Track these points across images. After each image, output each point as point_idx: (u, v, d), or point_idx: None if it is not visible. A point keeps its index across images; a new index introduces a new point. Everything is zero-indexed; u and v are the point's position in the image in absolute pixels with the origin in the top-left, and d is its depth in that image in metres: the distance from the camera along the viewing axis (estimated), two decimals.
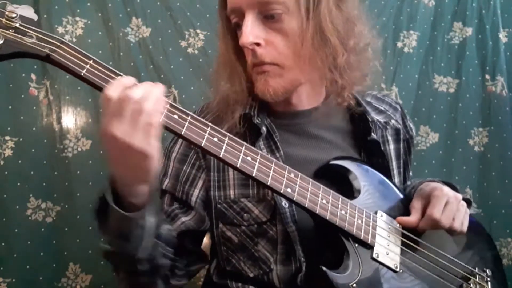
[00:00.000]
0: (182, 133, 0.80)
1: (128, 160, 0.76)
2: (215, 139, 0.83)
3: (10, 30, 0.74)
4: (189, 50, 1.90)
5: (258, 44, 0.97)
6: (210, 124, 0.83)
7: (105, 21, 1.82)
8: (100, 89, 0.77)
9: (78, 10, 1.80)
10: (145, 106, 0.74)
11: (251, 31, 0.95)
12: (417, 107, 2.07)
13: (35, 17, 0.78)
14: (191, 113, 0.82)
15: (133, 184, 0.80)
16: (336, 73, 1.00)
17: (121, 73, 0.79)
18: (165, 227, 0.97)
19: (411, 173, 1.26)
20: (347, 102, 1.06)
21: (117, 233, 0.83)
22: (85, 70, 0.77)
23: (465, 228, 1.01)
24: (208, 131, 0.82)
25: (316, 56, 0.97)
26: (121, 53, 1.82)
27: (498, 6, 2.12)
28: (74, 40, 1.78)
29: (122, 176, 0.79)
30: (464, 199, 1.05)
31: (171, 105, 0.81)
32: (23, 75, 1.74)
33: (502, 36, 2.11)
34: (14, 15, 0.74)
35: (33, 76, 1.75)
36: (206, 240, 1.18)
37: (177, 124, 0.80)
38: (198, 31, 1.90)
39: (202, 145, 0.81)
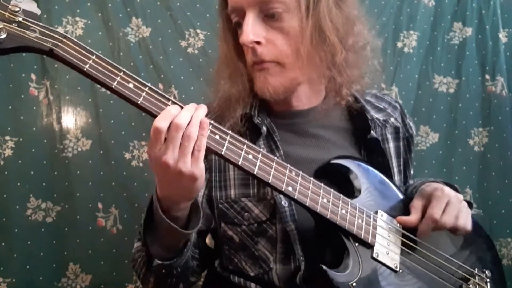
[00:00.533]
0: None
1: (178, 183, 0.81)
2: (217, 137, 0.83)
3: (13, 24, 0.74)
4: (189, 50, 1.90)
5: (258, 43, 0.97)
6: (212, 122, 0.83)
7: (105, 21, 1.82)
8: (102, 84, 0.78)
9: (78, 10, 1.80)
10: (192, 132, 0.78)
11: (252, 29, 0.96)
12: (417, 107, 2.06)
13: (38, 11, 0.78)
14: None
15: (180, 202, 0.86)
16: (335, 71, 1.01)
17: (124, 69, 0.80)
18: None
19: (412, 172, 1.26)
20: (345, 100, 1.07)
21: (169, 249, 0.92)
22: (87, 65, 0.77)
23: (469, 227, 1.01)
24: (209, 129, 0.82)
25: (315, 54, 0.98)
26: (121, 53, 1.82)
27: (498, 6, 2.11)
28: None
29: (171, 196, 0.85)
30: (464, 201, 1.06)
31: (173, 102, 0.81)
32: (23, 75, 1.74)
33: (502, 36, 2.11)
34: (17, 9, 0.74)
35: (33, 76, 1.75)
36: (207, 240, 1.19)
37: None
38: (198, 31, 1.90)
39: None
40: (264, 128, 1.04)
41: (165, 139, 0.78)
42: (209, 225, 1.08)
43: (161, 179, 0.83)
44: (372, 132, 1.09)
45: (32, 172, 1.72)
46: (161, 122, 0.77)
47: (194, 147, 0.79)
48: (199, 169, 0.80)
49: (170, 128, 0.77)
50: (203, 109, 0.82)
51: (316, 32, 0.97)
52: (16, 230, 1.69)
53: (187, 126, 0.78)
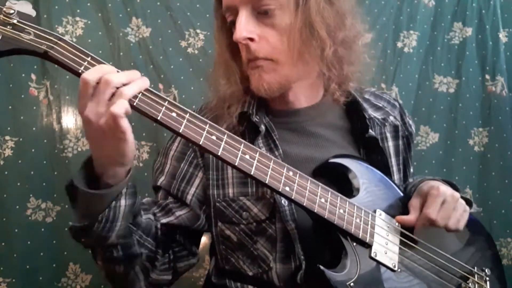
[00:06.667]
0: (180, 131, 0.80)
1: (102, 142, 0.77)
2: (214, 137, 0.83)
3: (8, 27, 0.74)
4: (189, 50, 1.90)
5: (252, 40, 0.98)
6: (208, 122, 0.83)
7: (105, 21, 1.83)
8: None
9: (78, 10, 1.81)
10: (123, 90, 0.75)
11: (245, 26, 0.96)
12: (417, 107, 2.07)
13: (33, 13, 0.77)
14: (189, 110, 0.82)
15: (108, 165, 0.81)
16: (323, 66, 1.01)
17: (119, 70, 0.79)
18: (146, 215, 0.97)
19: (412, 170, 1.25)
20: (343, 98, 1.07)
21: (85, 212, 0.84)
22: (83, 67, 0.77)
23: (461, 226, 1.00)
24: (206, 129, 0.82)
25: (305, 49, 0.98)
26: (121, 53, 1.83)
27: (498, 6, 2.12)
28: (74, 40, 1.78)
29: (98, 156, 0.81)
30: (464, 199, 1.05)
31: (170, 103, 0.81)
32: (23, 75, 1.74)
33: (502, 36, 2.11)
34: (11, 11, 0.74)
35: (33, 76, 1.75)
36: (206, 240, 1.18)
37: (176, 122, 0.80)
38: (198, 31, 1.91)
39: (200, 143, 0.81)
40: (263, 127, 1.04)
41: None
42: (194, 223, 1.06)
43: (88, 136, 0.79)
44: (370, 131, 1.08)
45: (32, 172, 1.73)
46: (88, 73, 0.75)
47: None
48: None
49: (97, 82, 0.75)
50: (146, 81, 0.79)
51: (306, 27, 0.97)
52: (16, 230, 1.69)
53: (124, 86, 0.76)
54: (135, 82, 0.77)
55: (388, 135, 1.15)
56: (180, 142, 1.10)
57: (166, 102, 0.80)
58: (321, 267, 0.88)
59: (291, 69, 1.00)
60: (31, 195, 1.72)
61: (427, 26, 2.11)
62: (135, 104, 0.78)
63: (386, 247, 0.96)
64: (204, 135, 0.82)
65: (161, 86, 1.84)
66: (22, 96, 1.74)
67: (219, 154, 0.83)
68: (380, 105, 1.19)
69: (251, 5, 0.97)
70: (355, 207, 0.95)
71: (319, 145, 1.07)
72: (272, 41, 0.98)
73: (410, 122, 1.23)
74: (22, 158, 1.72)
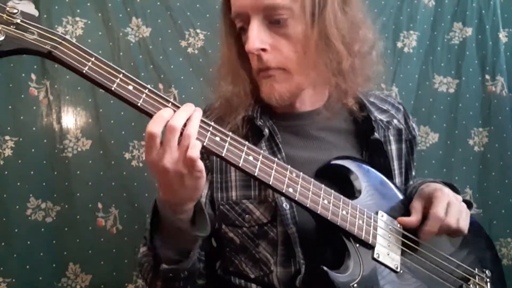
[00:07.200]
0: None
1: (181, 185, 0.80)
2: (217, 138, 0.83)
3: (11, 26, 0.73)
4: (189, 50, 1.90)
5: (264, 50, 0.96)
6: (212, 123, 0.83)
7: (105, 21, 1.82)
8: (102, 86, 0.77)
9: (78, 10, 1.80)
10: (189, 132, 0.77)
11: (257, 36, 0.94)
12: (417, 107, 2.07)
13: (36, 13, 0.77)
14: None
15: (183, 204, 0.85)
16: (340, 78, 1.00)
17: (123, 71, 0.79)
18: None
19: (414, 173, 1.25)
20: (350, 103, 1.06)
21: (179, 251, 0.91)
22: (87, 67, 0.76)
23: (467, 228, 1.00)
24: (210, 130, 0.82)
25: (320, 60, 0.97)
26: (121, 53, 1.82)
27: (498, 6, 2.11)
28: (74, 40, 1.76)
29: (174, 198, 0.84)
30: (464, 201, 1.05)
31: (173, 105, 0.81)
32: (23, 75, 1.74)
33: (502, 36, 2.11)
34: (15, 11, 0.73)
35: (33, 76, 1.75)
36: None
37: None
38: (198, 31, 1.90)
39: (204, 144, 0.81)
40: (266, 130, 1.03)
41: (161, 142, 0.77)
42: (213, 226, 1.07)
43: (163, 183, 0.82)
44: (375, 133, 1.08)
45: (32, 172, 1.72)
46: (153, 127, 0.76)
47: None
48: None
49: (165, 131, 0.77)
50: (200, 112, 0.81)
51: (322, 39, 0.95)
52: (16, 230, 1.69)
53: (187, 126, 0.78)
54: (194, 116, 0.79)
55: (392, 138, 1.15)
56: None
57: (170, 104, 0.80)
58: (325, 268, 0.88)
59: (303, 78, 1.00)
60: (31, 195, 1.72)
61: (427, 26, 2.11)
62: (139, 104, 0.79)
63: (388, 248, 0.96)
64: (208, 137, 0.82)
65: (161, 86, 1.84)
66: (22, 96, 1.74)
67: (223, 155, 0.82)
68: (385, 108, 1.19)
69: (263, 14, 0.94)
70: (358, 208, 0.96)
71: (322, 148, 1.07)
72: (285, 51, 0.96)
73: (414, 125, 1.22)
74: (22, 158, 1.72)
